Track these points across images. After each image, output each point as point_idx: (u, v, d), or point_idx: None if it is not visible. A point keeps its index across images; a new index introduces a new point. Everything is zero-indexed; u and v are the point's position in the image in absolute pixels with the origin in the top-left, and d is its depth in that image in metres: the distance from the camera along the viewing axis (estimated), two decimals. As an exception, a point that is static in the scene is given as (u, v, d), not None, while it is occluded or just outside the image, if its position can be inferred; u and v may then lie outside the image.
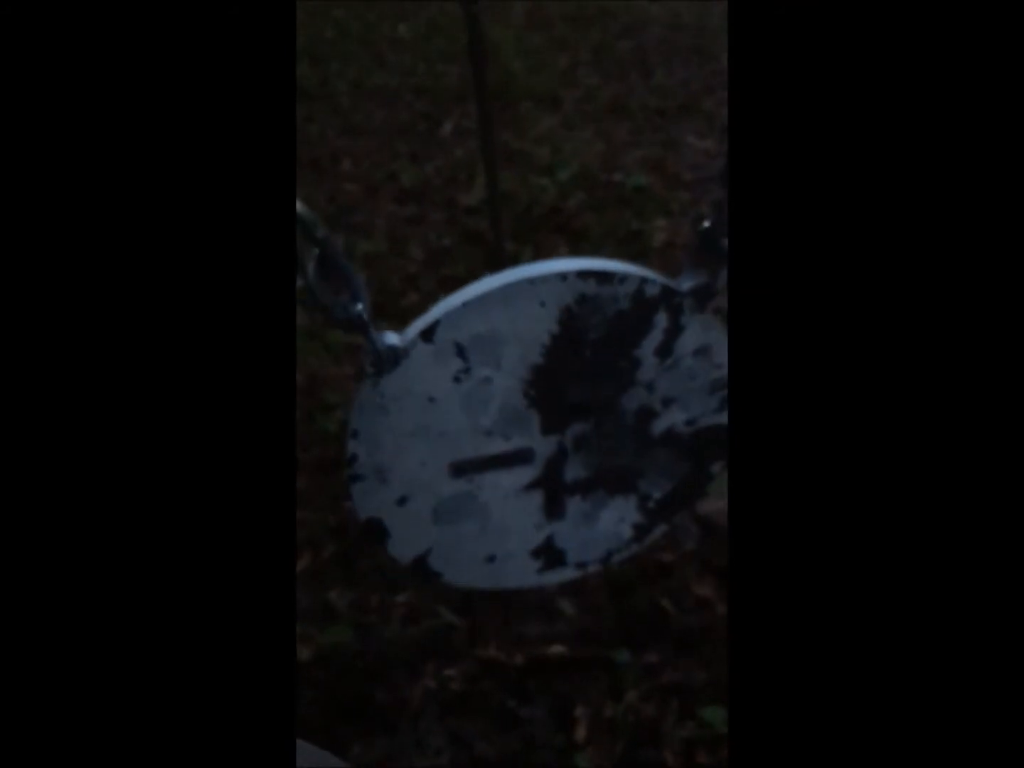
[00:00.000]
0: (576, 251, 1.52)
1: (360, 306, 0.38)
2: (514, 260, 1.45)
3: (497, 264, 1.33)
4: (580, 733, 0.77)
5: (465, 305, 0.41)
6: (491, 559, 0.49)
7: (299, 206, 0.33)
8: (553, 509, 0.48)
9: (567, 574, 0.52)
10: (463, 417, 0.43)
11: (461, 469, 0.45)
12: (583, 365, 0.44)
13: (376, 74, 2.67)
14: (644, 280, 0.42)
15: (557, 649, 0.84)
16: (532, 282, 0.40)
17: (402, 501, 0.45)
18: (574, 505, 0.48)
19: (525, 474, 0.46)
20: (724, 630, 0.83)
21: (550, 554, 0.50)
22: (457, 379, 0.42)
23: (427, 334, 0.41)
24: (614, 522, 0.50)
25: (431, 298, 1.49)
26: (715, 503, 0.91)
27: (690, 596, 0.86)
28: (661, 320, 0.44)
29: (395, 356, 0.41)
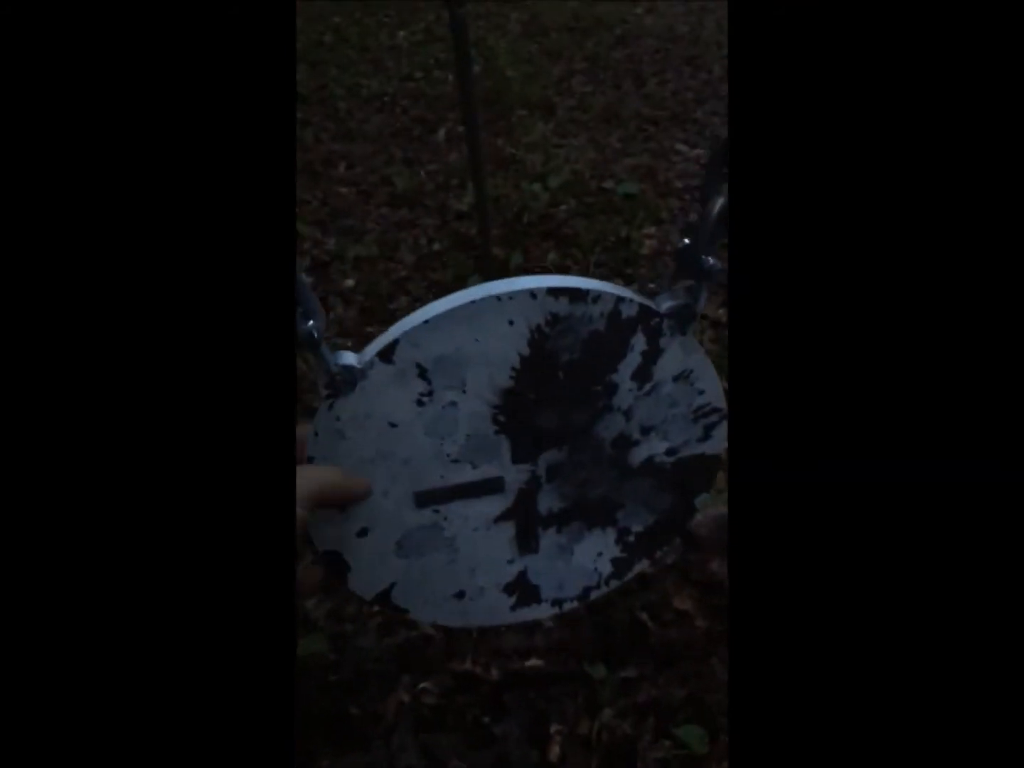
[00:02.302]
0: (565, 257, 1.51)
1: (311, 323, 0.35)
2: (503, 265, 1.45)
3: (486, 268, 1.32)
4: (554, 751, 0.75)
5: (427, 323, 0.38)
6: (460, 595, 0.45)
7: None
8: (526, 542, 0.45)
9: (542, 611, 0.48)
10: (427, 443, 0.40)
11: (426, 499, 0.41)
12: (556, 390, 0.41)
13: (373, 80, 2.68)
14: (620, 299, 0.39)
15: (534, 663, 0.82)
16: (499, 299, 0.37)
17: (363, 533, 0.41)
18: (548, 538, 0.45)
19: (495, 505, 0.43)
20: (703, 644, 0.82)
21: (523, 590, 0.47)
22: (420, 402, 0.39)
23: (385, 354, 0.38)
24: (591, 557, 0.47)
25: (420, 302, 1.48)
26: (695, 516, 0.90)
27: (669, 609, 0.85)
28: (639, 342, 0.41)
29: (352, 377, 0.38)
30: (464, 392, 0.39)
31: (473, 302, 0.37)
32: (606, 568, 0.48)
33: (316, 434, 0.39)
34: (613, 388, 0.42)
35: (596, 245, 1.53)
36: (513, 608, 0.47)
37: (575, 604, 0.48)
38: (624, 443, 0.43)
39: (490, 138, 2.07)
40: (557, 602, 0.48)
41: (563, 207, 1.70)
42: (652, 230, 1.57)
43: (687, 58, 2.60)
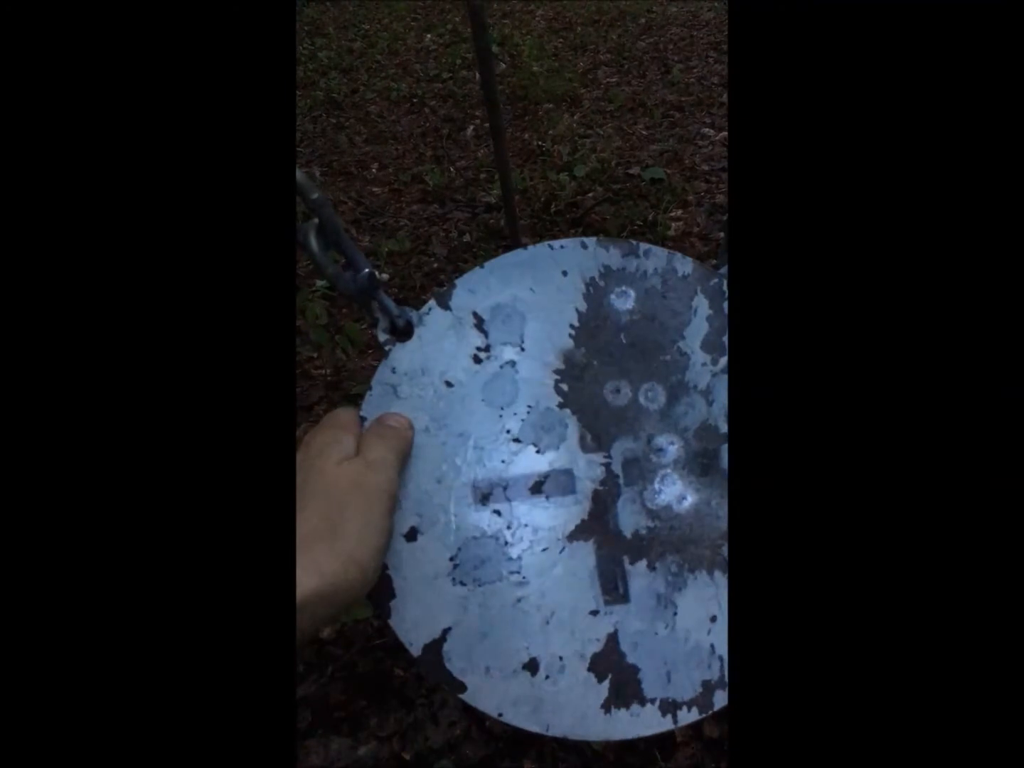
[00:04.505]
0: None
1: (366, 271, 0.36)
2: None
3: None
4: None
5: (482, 267, 0.38)
6: (532, 667, 0.33)
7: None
8: (611, 580, 0.35)
9: (648, 722, 0.33)
10: (486, 414, 0.36)
11: (488, 491, 0.35)
12: (620, 356, 0.38)
13: (402, 82, 2.74)
14: (672, 256, 0.39)
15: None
16: (552, 247, 0.39)
17: (412, 535, 0.35)
18: (640, 579, 0.34)
19: (568, 513, 0.35)
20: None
21: (618, 674, 0.33)
22: (477, 359, 0.37)
23: (442, 299, 0.38)
24: (704, 623, 0.34)
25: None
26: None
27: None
28: (701, 305, 0.38)
29: (410, 324, 0.37)
30: (523, 350, 0.37)
31: (528, 250, 0.39)
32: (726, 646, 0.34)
33: (371, 391, 0.37)
34: (685, 359, 0.38)
35: (623, 230, 1.55)
36: (606, 707, 0.33)
37: (693, 715, 0.33)
38: (710, 435, 0.37)
39: (517, 132, 2.11)
40: (669, 707, 0.33)
41: (590, 195, 1.73)
42: (678, 213, 1.59)
43: (712, 44, 2.59)
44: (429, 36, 3.25)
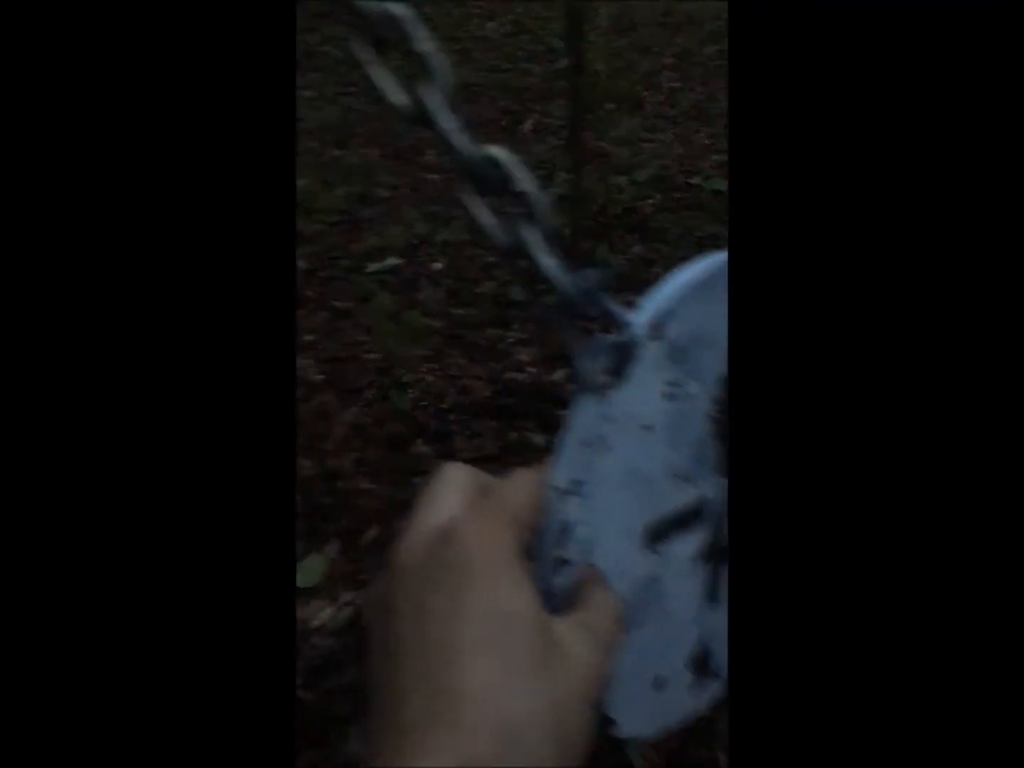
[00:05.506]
0: (651, 252, 1.53)
1: (591, 271, 0.28)
2: (588, 256, 1.48)
3: (571, 258, 1.36)
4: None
5: (696, 288, 0.32)
6: (660, 684, 0.35)
7: (496, 149, 0.26)
8: (713, 588, 0.36)
9: (713, 690, 0.37)
10: (665, 454, 0.34)
11: (653, 534, 0.34)
12: None
13: (461, 70, 2.74)
14: None
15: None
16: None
17: None
18: (723, 577, 0.37)
19: (699, 537, 0.36)
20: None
21: (700, 660, 0.37)
22: (671, 396, 0.33)
23: (657, 329, 0.32)
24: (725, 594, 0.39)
25: (507, 286, 1.50)
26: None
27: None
28: None
29: (632, 351, 0.31)
30: (700, 380, 0.34)
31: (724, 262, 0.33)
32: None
33: (580, 450, 0.31)
34: None
35: (682, 240, 1.54)
36: (691, 689, 0.37)
37: (723, 674, 0.38)
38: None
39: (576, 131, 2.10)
40: (718, 672, 0.38)
41: (649, 201, 1.72)
42: (739, 228, 1.58)
43: (779, 56, 2.56)
44: (491, 24, 3.24)
